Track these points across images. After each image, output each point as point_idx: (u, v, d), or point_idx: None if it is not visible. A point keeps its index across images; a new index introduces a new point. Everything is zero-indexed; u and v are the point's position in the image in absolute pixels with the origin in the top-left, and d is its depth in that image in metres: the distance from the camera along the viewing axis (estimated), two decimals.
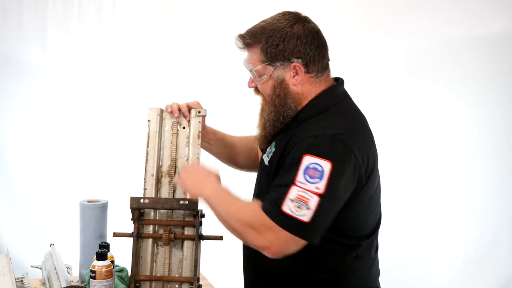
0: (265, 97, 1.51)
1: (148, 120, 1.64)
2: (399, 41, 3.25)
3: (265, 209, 1.35)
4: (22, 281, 1.80)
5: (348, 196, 1.39)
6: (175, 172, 1.62)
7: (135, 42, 3.19)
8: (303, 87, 1.47)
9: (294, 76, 1.46)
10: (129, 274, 1.73)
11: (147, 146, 1.62)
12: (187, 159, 1.62)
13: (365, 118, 1.53)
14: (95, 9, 3.17)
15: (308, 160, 1.33)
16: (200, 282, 1.56)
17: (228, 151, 1.82)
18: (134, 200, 1.54)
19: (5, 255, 1.91)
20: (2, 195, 3.14)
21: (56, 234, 2.91)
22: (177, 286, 1.59)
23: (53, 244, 1.99)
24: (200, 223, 1.58)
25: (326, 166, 1.32)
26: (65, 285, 1.60)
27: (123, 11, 3.19)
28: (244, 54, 1.53)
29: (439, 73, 3.26)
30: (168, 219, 1.59)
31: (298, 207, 1.31)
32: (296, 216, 1.31)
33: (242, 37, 1.50)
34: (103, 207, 1.81)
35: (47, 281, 1.76)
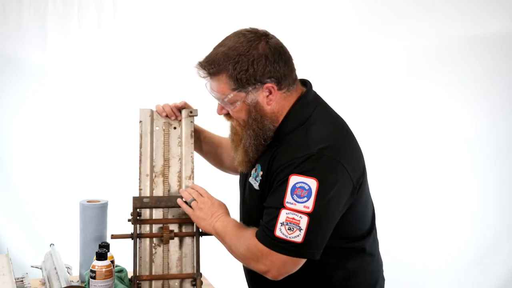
0: (239, 122, 1.47)
1: (140, 121, 1.66)
2: (399, 41, 3.25)
3: (258, 237, 1.38)
4: (22, 281, 1.80)
5: (346, 207, 1.40)
6: (168, 171, 1.63)
7: (135, 42, 3.19)
8: (277, 104, 1.43)
9: (267, 96, 1.41)
10: (128, 274, 1.74)
11: (140, 147, 1.64)
12: (179, 159, 1.63)
13: (343, 121, 1.49)
14: (95, 9, 3.17)
15: (294, 179, 1.33)
16: None
17: (215, 150, 1.82)
18: (137, 200, 1.55)
19: (5, 255, 1.91)
20: (2, 195, 3.14)
21: (56, 234, 2.91)
22: (177, 283, 1.60)
23: (53, 244, 1.99)
24: None
25: (312, 184, 1.32)
26: (65, 285, 1.60)
27: (123, 11, 3.19)
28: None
29: (439, 73, 3.26)
30: (165, 218, 1.60)
31: (290, 229, 1.32)
32: (289, 239, 1.32)
33: (203, 66, 1.43)
34: (103, 207, 1.81)
35: (47, 281, 1.76)
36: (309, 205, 1.32)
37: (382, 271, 1.62)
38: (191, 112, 1.68)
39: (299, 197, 1.32)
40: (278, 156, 1.40)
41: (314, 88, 1.52)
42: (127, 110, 3.07)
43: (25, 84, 3.13)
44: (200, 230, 1.58)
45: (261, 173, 1.46)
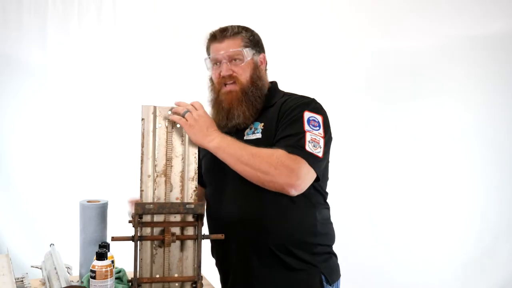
0: (242, 82, 1.75)
1: (142, 119, 1.62)
2: (399, 41, 3.25)
3: (291, 150, 1.61)
4: (22, 281, 1.80)
5: None
6: (171, 171, 1.61)
7: (134, 41, 3.19)
8: (264, 76, 1.84)
9: (260, 65, 1.82)
10: (127, 275, 1.74)
11: (142, 146, 1.61)
12: (182, 158, 1.62)
13: None
14: (95, 9, 3.17)
15: (307, 114, 1.70)
16: None
17: None
18: (139, 206, 1.52)
19: (5, 255, 1.91)
20: (2, 195, 3.14)
21: (56, 234, 2.91)
22: (177, 285, 1.60)
23: (53, 244, 1.99)
24: (202, 223, 1.57)
25: (319, 119, 1.71)
26: (65, 285, 1.60)
27: (123, 11, 3.20)
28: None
29: (439, 73, 3.26)
30: (166, 220, 1.59)
31: (314, 146, 1.65)
32: (315, 153, 1.64)
33: (225, 28, 1.80)
34: (103, 207, 1.81)
35: (47, 281, 1.76)
36: (321, 132, 1.69)
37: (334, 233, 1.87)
38: None
39: (314, 126, 1.68)
40: (276, 110, 1.74)
41: (315, 88, 1.87)
42: (127, 109, 3.08)
43: (25, 84, 3.13)
44: (203, 234, 1.58)
45: (261, 124, 1.75)
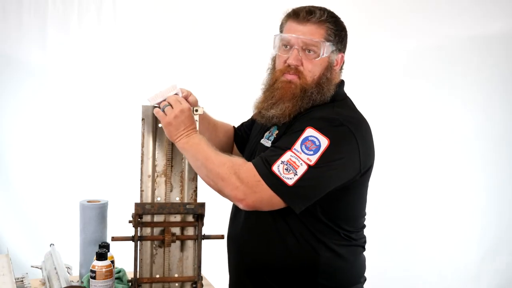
0: (306, 78, 1.51)
1: (142, 119, 1.61)
2: (398, 41, 3.25)
3: (255, 164, 1.42)
4: (22, 281, 1.80)
5: (340, 183, 1.45)
6: (171, 171, 1.61)
7: (135, 41, 3.19)
8: (335, 79, 1.56)
9: (335, 66, 1.55)
10: (127, 275, 1.74)
11: (142, 146, 1.60)
12: (182, 158, 1.61)
13: (368, 124, 1.59)
14: (95, 9, 3.17)
15: (309, 132, 1.41)
16: None
17: (209, 131, 1.76)
18: (139, 206, 1.51)
19: (5, 255, 1.91)
20: (2, 195, 3.14)
21: (56, 234, 2.91)
22: (177, 285, 1.60)
23: (53, 244, 1.99)
24: (202, 223, 1.57)
25: (324, 142, 1.40)
26: (65, 285, 1.60)
27: (123, 11, 3.20)
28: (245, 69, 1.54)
29: (439, 73, 3.26)
30: (166, 220, 1.59)
31: (286, 169, 1.38)
32: (282, 178, 1.38)
33: (313, 11, 1.51)
34: (103, 207, 1.81)
35: (47, 281, 1.76)
36: (313, 159, 1.39)
37: (364, 270, 1.64)
38: (196, 110, 1.63)
39: (307, 149, 1.39)
40: (298, 120, 1.49)
41: None
42: (128, 109, 3.08)
43: (25, 84, 3.13)
44: (203, 234, 1.57)
45: (276, 132, 1.55)
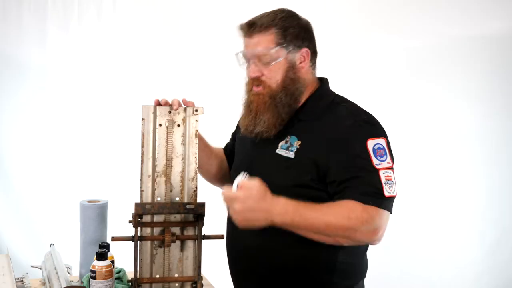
0: (271, 85, 1.52)
1: (142, 119, 1.60)
2: (399, 41, 3.25)
3: (367, 201, 1.39)
4: (22, 281, 1.80)
5: None
6: (171, 171, 1.61)
7: (134, 41, 3.19)
8: (306, 75, 1.56)
9: (300, 63, 1.54)
10: (127, 275, 1.74)
11: (142, 146, 1.60)
12: (183, 158, 1.62)
13: None
14: (95, 9, 3.17)
15: (371, 143, 1.45)
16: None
17: (212, 161, 1.78)
18: (139, 206, 1.51)
19: (5, 255, 1.91)
20: (2, 195, 3.14)
21: (56, 234, 2.91)
22: (177, 285, 1.60)
23: (53, 244, 1.99)
24: (202, 223, 1.57)
25: (383, 142, 1.47)
26: (65, 285, 1.60)
27: (123, 11, 3.19)
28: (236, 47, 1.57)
29: (439, 73, 3.26)
30: (166, 220, 1.59)
31: (390, 186, 1.44)
32: (392, 195, 1.44)
33: (252, 22, 1.53)
34: (103, 207, 1.81)
35: (47, 281, 1.76)
36: (389, 160, 1.46)
37: (367, 266, 1.67)
38: (196, 110, 1.62)
39: (381, 156, 1.45)
40: (323, 129, 1.49)
41: None
42: (128, 109, 3.08)
43: (25, 84, 3.12)
44: (203, 234, 1.57)
45: (298, 142, 1.52)
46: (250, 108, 1.56)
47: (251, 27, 1.53)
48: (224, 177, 1.84)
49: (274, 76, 1.52)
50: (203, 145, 1.73)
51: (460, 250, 3.27)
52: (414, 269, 3.26)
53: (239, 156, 1.73)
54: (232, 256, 1.70)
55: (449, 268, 3.26)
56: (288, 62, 1.52)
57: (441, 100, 3.26)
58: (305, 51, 1.54)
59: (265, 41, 1.51)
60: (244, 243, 1.61)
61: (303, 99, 1.56)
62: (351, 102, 1.59)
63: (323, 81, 1.63)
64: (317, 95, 1.58)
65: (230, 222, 1.66)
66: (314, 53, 1.58)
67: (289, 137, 1.54)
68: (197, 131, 1.62)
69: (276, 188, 1.42)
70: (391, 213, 1.44)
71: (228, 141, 1.90)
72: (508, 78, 3.23)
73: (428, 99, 3.26)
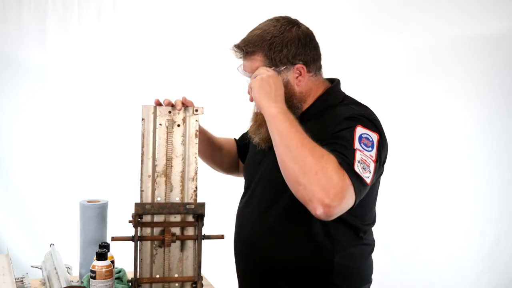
0: None
1: (142, 119, 1.60)
2: (399, 40, 3.25)
3: (341, 164, 1.32)
4: (22, 281, 1.80)
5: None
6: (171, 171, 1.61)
7: (135, 41, 3.19)
8: (306, 86, 1.56)
9: (297, 77, 1.54)
10: (127, 275, 1.74)
11: (142, 146, 1.60)
12: (183, 158, 1.62)
13: None
14: (95, 9, 3.17)
15: (360, 130, 1.41)
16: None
17: (215, 153, 1.83)
18: (139, 206, 1.51)
19: (5, 255, 1.91)
20: (2, 195, 3.14)
21: (56, 234, 2.91)
22: (177, 285, 1.60)
23: (53, 244, 1.99)
24: (202, 223, 1.57)
25: (375, 137, 1.42)
26: (65, 285, 1.60)
27: (123, 10, 3.19)
28: (238, 61, 1.59)
29: (439, 73, 3.26)
30: (166, 220, 1.59)
31: (363, 168, 1.35)
32: (363, 177, 1.35)
33: (240, 47, 1.55)
34: (103, 207, 1.81)
35: (47, 281, 1.76)
36: (373, 154, 1.39)
37: (372, 271, 1.66)
38: (196, 110, 1.62)
39: (366, 146, 1.39)
40: (319, 123, 1.48)
41: None
42: (128, 109, 3.08)
43: (25, 84, 3.13)
44: (203, 234, 1.57)
45: None
46: (256, 119, 1.61)
47: (241, 51, 1.55)
48: (232, 167, 1.89)
49: None
50: (206, 138, 1.78)
51: (460, 250, 3.27)
52: (414, 269, 3.26)
53: (251, 152, 1.76)
54: (238, 255, 1.72)
55: (449, 268, 3.26)
56: (282, 80, 1.52)
57: (440, 100, 3.27)
58: (299, 67, 1.53)
59: (254, 66, 1.54)
60: (251, 241, 1.64)
61: (309, 103, 1.58)
62: (361, 104, 1.58)
63: (333, 83, 1.63)
64: (323, 98, 1.58)
65: (238, 221, 1.71)
66: (315, 61, 1.57)
67: (266, 146, 1.57)
68: (197, 131, 1.62)
69: (281, 185, 1.42)
70: (358, 195, 1.34)
71: (241, 136, 1.92)
72: (508, 78, 3.23)
73: (428, 99, 3.26)
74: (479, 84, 3.24)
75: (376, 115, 1.55)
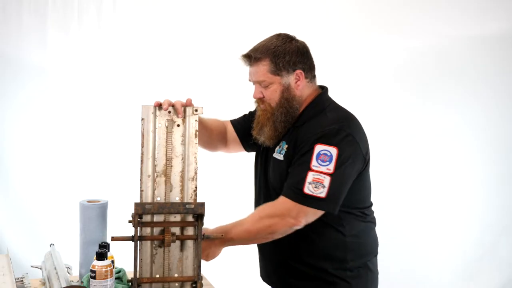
0: (271, 104, 1.78)
1: (142, 119, 1.61)
2: (399, 41, 3.25)
3: (288, 196, 1.67)
4: (22, 281, 1.80)
5: (356, 174, 1.73)
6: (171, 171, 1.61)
7: (135, 41, 3.19)
8: (303, 90, 1.80)
9: (296, 82, 1.78)
10: (127, 275, 1.74)
11: (142, 146, 1.60)
12: (182, 158, 1.62)
13: (352, 113, 1.84)
14: (95, 9, 3.17)
15: (319, 148, 1.67)
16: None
17: (207, 134, 1.94)
18: (139, 206, 1.51)
19: (5, 255, 1.91)
20: (2, 195, 3.14)
21: (56, 234, 2.91)
22: (177, 285, 1.60)
23: (53, 244, 1.99)
24: (202, 223, 1.57)
25: (333, 151, 1.66)
26: (65, 285, 1.60)
27: (123, 11, 3.19)
28: (245, 70, 1.80)
29: (439, 73, 3.26)
30: (166, 220, 1.59)
31: (316, 187, 1.65)
32: (315, 195, 1.65)
33: (248, 55, 1.78)
34: (103, 207, 1.81)
35: (47, 281, 1.76)
36: (331, 167, 1.66)
37: (377, 244, 1.90)
38: (195, 110, 1.63)
39: (323, 161, 1.66)
40: (302, 132, 1.75)
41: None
42: (128, 109, 3.08)
43: (25, 84, 3.12)
44: (203, 234, 1.57)
45: (286, 146, 1.78)
46: (258, 120, 1.83)
47: (249, 59, 1.78)
48: (219, 145, 2.03)
49: (272, 97, 1.78)
50: (202, 126, 1.87)
51: (459, 249, 3.27)
52: (414, 269, 3.26)
53: (256, 157, 1.96)
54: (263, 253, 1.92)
55: (448, 268, 3.27)
56: (282, 85, 1.77)
57: (440, 100, 3.27)
58: (299, 72, 1.78)
59: (260, 71, 1.77)
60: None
61: (301, 108, 1.80)
62: (342, 111, 1.82)
63: (321, 93, 1.84)
64: (312, 105, 1.81)
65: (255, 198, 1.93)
66: (310, 70, 1.82)
67: (282, 142, 1.80)
68: (196, 131, 1.63)
69: (275, 183, 1.77)
70: (322, 210, 1.67)
71: (240, 119, 2.05)
72: (508, 78, 3.23)
73: (428, 99, 3.27)
74: (479, 84, 3.24)
75: (353, 121, 1.77)
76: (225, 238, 1.66)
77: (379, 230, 1.89)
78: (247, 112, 2.03)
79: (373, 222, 1.88)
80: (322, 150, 1.67)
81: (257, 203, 1.89)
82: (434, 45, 3.23)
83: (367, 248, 1.84)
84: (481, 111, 3.25)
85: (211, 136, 1.96)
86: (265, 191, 1.86)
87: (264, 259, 1.92)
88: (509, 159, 3.26)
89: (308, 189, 1.65)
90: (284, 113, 1.78)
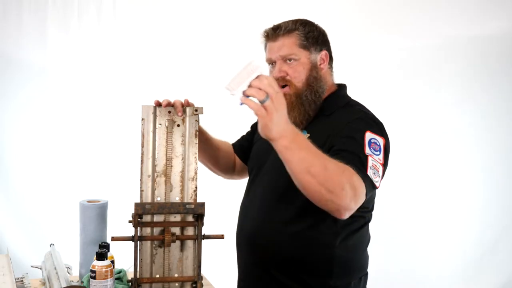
0: (296, 85, 1.62)
1: (142, 119, 1.61)
2: (399, 41, 3.25)
3: (358, 172, 1.43)
4: (22, 281, 1.80)
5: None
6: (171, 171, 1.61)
7: (135, 41, 3.19)
8: (326, 76, 1.69)
9: (321, 64, 1.67)
10: (127, 275, 1.74)
11: (142, 146, 1.60)
12: (182, 158, 1.62)
13: None
14: (95, 9, 3.17)
15: (369, 135, 1.53)
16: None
17: (213, 153, 1.87)
18: (139, 206, 1.51)
19: (5, 255, 1.91)
20: (2, 195, 3.14)
21: (56, 234, 2.91)
22: (177, 285, 1.60)
23: (53, 244, 1.99)
24: (202, 223, 1.57)
25: (381, 142, 1.55)
26: (65, 285, 1.60)
27: (123, 11, 3.20)
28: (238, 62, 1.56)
29: (439, 73, 3.26)
30: (166, 220, 1.59)
31: (374, 173, 1.49)
32: (374, 182, 1.49)
33: (276, 28, 1.65)
34: (103, 207, 1.81)
35: (47, 281, 1.76)
36: (381, 158, 1.53)
37: (367, 265, 1.73)
38: (196, 110, 1.62)
39: (375, 150, 1.51)
40: (335, 120, 1.60)
41: None
42: (128, 109, 3.08)
43: (26, 84, 3.13)
44: (203, 234, 1.57)
45: (307, 135, 1.59)
46: None
47: (276, 30, 1.65)
48: (228, 168, 1.94)
49: (299, 75, 1.63)
50: (204, 138, 1.80)
51: (459, 249, 3.27)
52: (414, 268, 3.26)
53: (258, 145, 1.82)
54: (240, 245, 1.77)
55: (448, 267, 3.27)
56: (311, 62, 1.64)
57: (440, 100, 3.27)
58: (324, 53, 1.67)
59: (289, 43, 1.63)
60: (252, 233, 1.69)
61: (325, 95, 1.67)
62: (365, 107, 1.70)
63: (341, 86, 1.75)
64: (334, 97, 1.69)
65: (243, 211, 1.78)
66: (331, 58, 1.71)
67: (303, 131, 1.62)
68: (196, 131, 1.62)
69: (287, 177, 1.42)
70: (367, 196, 1.48)
71: (240, 138, 1.98)
72: (508, 78, 3.23)
73: (428, 99, 3.27)
74: (479, 84, 3.24)
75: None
76: (294, 137, 1.32)
77: (379, 230, 1.84)
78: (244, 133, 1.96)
79: (366, 238, 1.71)
80: (372, 139, 1.52)
81: (246, 197, 1.79)
82: (434, 45, 3.23)
83: (358, 263, 1.67)
84: (481, 111, 3.25)
85: (217, 152, 1.86)
86: (267, 178, 1.71)
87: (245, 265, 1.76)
88: (509, 159, 3.26)
89: (370, 173, 1.46)
90: (314, 92, 1.63)
